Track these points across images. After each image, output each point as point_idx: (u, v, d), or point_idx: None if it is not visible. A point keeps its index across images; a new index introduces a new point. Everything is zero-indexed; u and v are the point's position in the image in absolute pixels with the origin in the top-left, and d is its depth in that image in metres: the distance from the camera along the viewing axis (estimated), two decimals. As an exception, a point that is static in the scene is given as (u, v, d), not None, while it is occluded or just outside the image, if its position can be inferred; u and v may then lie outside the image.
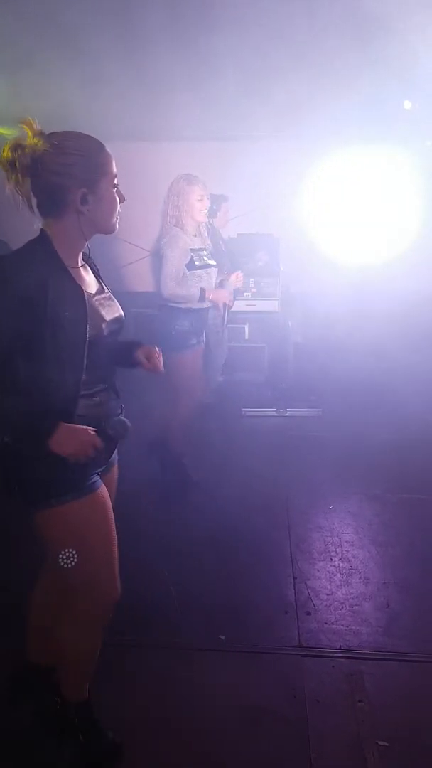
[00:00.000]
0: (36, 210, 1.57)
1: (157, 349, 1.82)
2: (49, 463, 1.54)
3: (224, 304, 3.69)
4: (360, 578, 2.82)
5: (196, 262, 3.37)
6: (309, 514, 3.44)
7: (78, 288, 1.57)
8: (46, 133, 1.54)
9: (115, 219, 1.64)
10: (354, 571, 2.87)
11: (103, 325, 1.62)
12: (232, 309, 4.93)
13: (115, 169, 1.61)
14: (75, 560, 1.60)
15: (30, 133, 1.51)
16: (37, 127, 1.53)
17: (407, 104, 4.77)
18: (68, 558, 1.60)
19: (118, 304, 1.73)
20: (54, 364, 1.51)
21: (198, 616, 2.54)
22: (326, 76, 4.07)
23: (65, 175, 1.52)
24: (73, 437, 1.49)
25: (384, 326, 5.10)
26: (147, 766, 1.89)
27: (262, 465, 3.99)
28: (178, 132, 5.56)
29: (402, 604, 2.63)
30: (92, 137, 1.60)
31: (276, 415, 5.18)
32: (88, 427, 1.53)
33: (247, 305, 5.51)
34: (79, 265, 1.64)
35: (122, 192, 1.65)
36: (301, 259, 5.61)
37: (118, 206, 1.63)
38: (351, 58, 3.85)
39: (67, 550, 1.60)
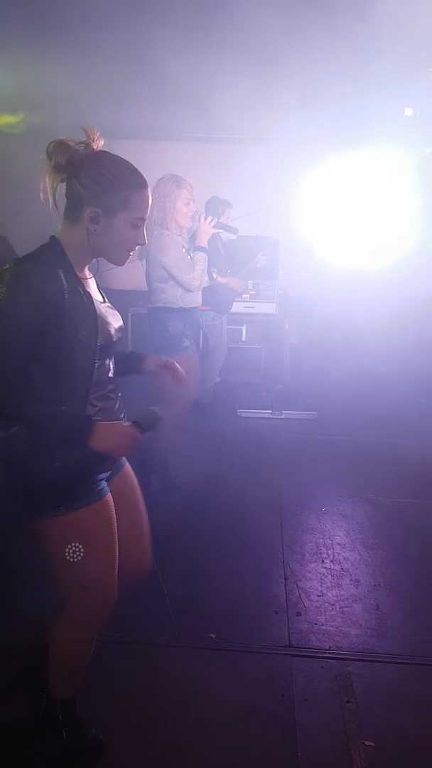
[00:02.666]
0: (58, 211, 1.60)
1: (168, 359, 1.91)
2: (57, 471, 1.55)
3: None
4: (350, 580, 2.84)
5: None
6: (301, 515, 3.46)
7: (89, 295, 1.60)
8: (101, 149, 1.59)
9: (123, 255, 1.65)
10: (345, 573, 2.89)
11: (112, 332, 1.66)
12: (231, 311, 4.98)
13: (143, 212, 1.61)
14: (81, 555, 1.61)
15: (85, 139, 1.56)
16: (96, 138, 1.57)
17: (408, 111, 4.80)
18: (74, 553, 1.61)
19: (119, 314, 1.77)
20: (68, 369, 1.53)
21: (189, 614, 2.56)
22: (328, 81, 4.10)
23: (87, 189, 1.54)
24: (113, 432, 1.51)
25: (380, 330, 5.13)
26: (135, 763, 1.90)
27: (256, 466, 4.02)
28: (179, 133, 5.58)
29: (391, 607, 2.65)
30: (137, 172, 1.60)
31: (272, 417, 5.20)
32: (123, 422, 1.54)
33: (245, 307, 5.55)
34: (87, 276, 1.67)
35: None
36: (300, 262, 5.64)
37: (133, 246, 1.64)
38: (354, 64, 3.88)
39: (73, 544, 1.61)
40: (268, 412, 5.22)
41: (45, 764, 1.82)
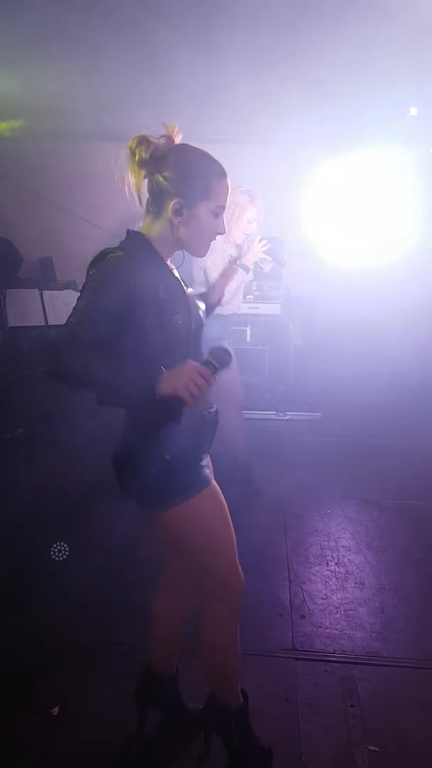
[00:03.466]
0: (143, 206, 1.63)
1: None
2: (163, 463, 1.59)
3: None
4: (355, 583, 2.83)
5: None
6: (306, 517, 3.45)
7: (179, 282, 1.65)
8: (179, 143, 1.62)
9: (205, 245, 1.68)
10: (349, 576, 2.88)
11: (201, 315, 1.72)
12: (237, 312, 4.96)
13: (223, 200, 1.64)
14: (205, 542, 1.66)
15: (166, 134, 1.60)
16: (175, 132, 1.61)
17: (413, 110, 4.78)
18: (198, 540, 1.66)
19: (201, 300, 1.83)
20: (164, 352, 1.56)
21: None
22: (330, 80, 4.08)
23: (170, 181, 1.58)
24: (180, 371, 1.48)
25: (385, 330, 5.11)
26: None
27: (261, 468, 4.01)
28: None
29: (396, 610, 2.64)
30: (217, 162, 1.63)
31: (276, 418, 5.19)
32: (189, 361, 1.53)
33: (249, 308, 5.54)
34: (172, 267, 1.70)
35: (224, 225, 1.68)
36: (304, 262, 5.63)
37: (214, 236, 1.67)
38: (356, 63, 3.87)
39: (194, 531, 1.65)
40: (273, 413, 5.21)
41: None
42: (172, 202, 1.58)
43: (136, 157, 1.56)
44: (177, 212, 1.59)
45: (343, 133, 5.16)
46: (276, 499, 3.62)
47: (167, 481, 1.61)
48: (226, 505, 1.72)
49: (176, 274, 1.69)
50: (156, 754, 1.91)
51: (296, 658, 2.35)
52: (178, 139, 1.62)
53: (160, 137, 1.60)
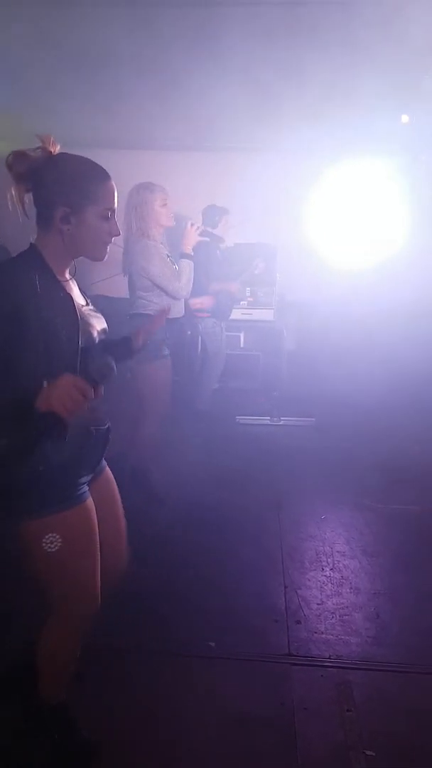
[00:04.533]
0: (29, 219, 1.62)
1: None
2: (35, 473, 1.56)
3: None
4: (350, 588, 2.84)
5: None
6: (301, 523, 3.46)
7: (69, 297, 1.62)
8: (58, 151, 1.61)
9: (101, 248, 1.68)
10: (344, 581, 2.89)
11: (94, 334, 1.68)
12: (229, 318, 4.98)
13: (110, 203, 1.64)
14: (59, 547, 1.60)
15: (41, 146, 1.59)
16: (52, 143, 1.60)
17: (405, 118, 4.82)
18: (52, 544, 1.60)
19: (102, 317, 1.79)
20: (47, 369, 1.51)
21: (188, 622, 2.55)
22: (325, 90, 4.11)
23: (52, 192, 1.58)
24: (57, 388, 1.41)
25: (378, 336, 5.14)
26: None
27: (255, 473, 4.02)
28: (179, 142, 5.61)
29: (391, 615, 2.64)
30: (98, 166, 1.64)
31: (270, 423, 5.20)
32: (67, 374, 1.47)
33: (243, 314, 5.56)
34: (68, 278, 1.69)
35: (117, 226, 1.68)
36: (297, 268, 5.66)
37: (108, 238, 1.67)
38: (350, 72, 3.90)
39: (51, 535, 1.60)
40: (267, 419, 5.22)
41: (36, 764, 1.83)
42: (59, 211, 1.58)
43: (13, 172, 1.57)
44: (64, 220, 1.59)
45: (336, 141, 5.20)
46: (271, 504, 3.62)
47: (31, 490, 1.58)
48: (96, 525, 1.70)
49: (71, 287, 1.68)
50: None
51: (292, 663, 2.35)
52: (55, 150, 1.61)
53: (35, 149, 1.59)
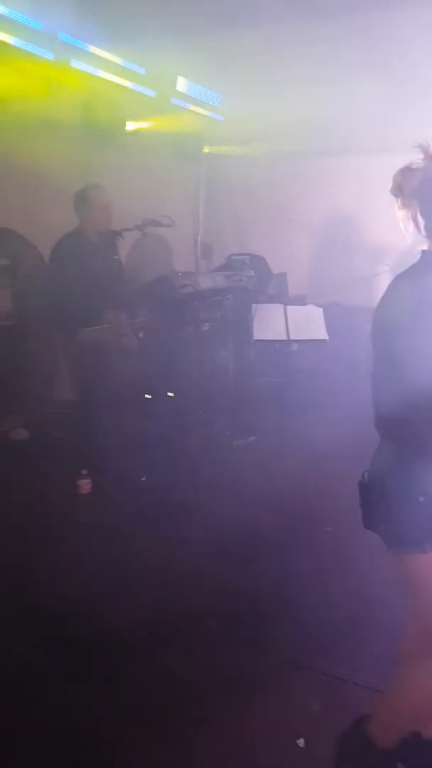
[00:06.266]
0: (424, 233, 1.55)
1: None
2: (420, 506, 1.47)
3: None
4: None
5: None
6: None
7: None
8: None
9: None
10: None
11: None
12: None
13: None
14: None
15: (424, 157, 1.52)
16: (430, 150, 1.52)
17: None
18: None
19: None
20: None
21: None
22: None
23: None
24: None
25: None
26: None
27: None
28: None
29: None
30: None
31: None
32: None
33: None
34: None
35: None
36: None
37: None
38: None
39: None
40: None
41: None
42: None
43: (404, 188, 1.52)
44: None
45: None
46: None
47: (418, 522, 1.49)
48: None
49: None
50: None
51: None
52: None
53: (423, 160, 1.52)
